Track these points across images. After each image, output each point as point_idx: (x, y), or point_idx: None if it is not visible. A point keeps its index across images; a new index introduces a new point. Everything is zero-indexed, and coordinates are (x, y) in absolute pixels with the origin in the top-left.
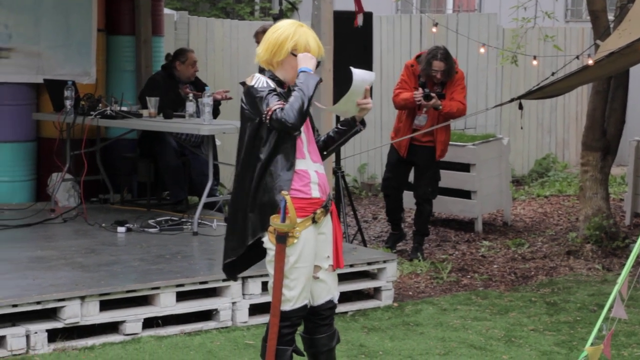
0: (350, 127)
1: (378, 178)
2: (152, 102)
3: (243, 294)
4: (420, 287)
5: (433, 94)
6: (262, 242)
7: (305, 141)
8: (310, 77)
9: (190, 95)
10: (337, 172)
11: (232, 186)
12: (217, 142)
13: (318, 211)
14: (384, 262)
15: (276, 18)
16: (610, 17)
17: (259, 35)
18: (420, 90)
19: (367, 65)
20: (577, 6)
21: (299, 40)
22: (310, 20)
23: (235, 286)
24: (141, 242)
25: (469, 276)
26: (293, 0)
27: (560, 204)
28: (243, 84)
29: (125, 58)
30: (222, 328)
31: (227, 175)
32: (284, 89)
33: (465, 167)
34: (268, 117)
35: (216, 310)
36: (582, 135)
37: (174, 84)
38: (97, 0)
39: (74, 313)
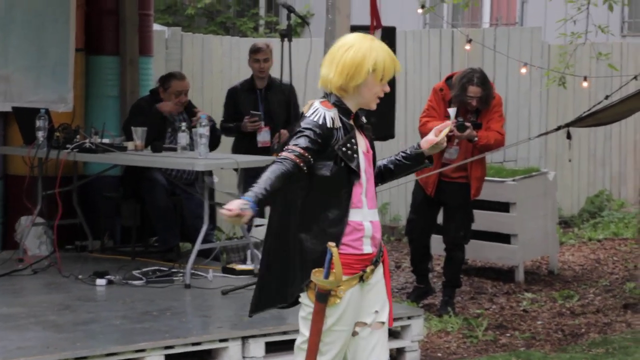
0: (416, 162)
1: (402, 220)
2: (139, 132)
3: (243, 357)
4: (452, 347)
5: (468, 124)
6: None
7: (364, 185)
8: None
9: (183, 125)
10: None
11: (268, 225)
12: (215, 179)
13: (368, 269)
14: (409, 318)
15: (284, 35)
16: None
17: (254, 54)
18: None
19: (390, 87)
20: (635, 18)
21: (378, 57)
22: (324, 37)
23: (233, 348)
24: (124, 297)
25: (508, 334)
26: (304, 14)
27: (615, 248)
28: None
29: (108, 82)
30: None
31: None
32: (349, 119)
33: (504, 207)
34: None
35: None
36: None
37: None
38: (75, 16)
39: None
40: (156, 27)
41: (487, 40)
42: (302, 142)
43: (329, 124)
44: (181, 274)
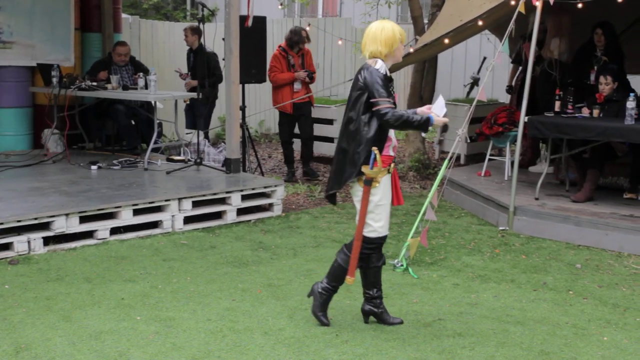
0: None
1: (272, 130)
2: (115, 79)
3: (179, 210)
4: (300, 202)
5: (313, 73)
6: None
7: None
8: (425, 124)
9: (141, 74)
10: (243, 125)
11: (339, 136)
12: (160, 106)
13: (392, 165)
14: (275, 186)
15: (200, 20)
16: (426, 20)
17: (184, 31)
18: (304, 71)
19: (261, 57)
20: (404, 13)
21: (399, 30)
22: (224, 22)
23: (173, 204)
24: (108, 176)
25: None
26: (213, 8)
27: None
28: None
29: (94, 48)
30: (165, 233)
31: (168, 129)
32: (388, 74)
33: (329, 122)
34: (378, 108)
35: (161, 221)
36: (407, 100)
37: (110, 62)
38: (74, 7)
39: (61, 225)
40: (123, 15)
41: (321, 26)
42: (385, 92)
43: (387, 74)
44: (141, 162)
